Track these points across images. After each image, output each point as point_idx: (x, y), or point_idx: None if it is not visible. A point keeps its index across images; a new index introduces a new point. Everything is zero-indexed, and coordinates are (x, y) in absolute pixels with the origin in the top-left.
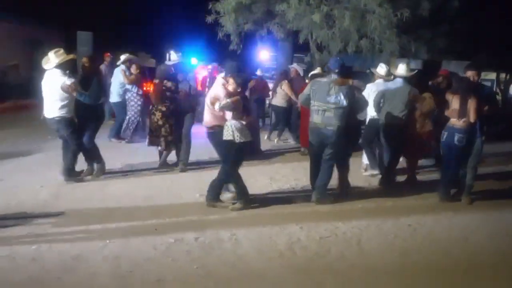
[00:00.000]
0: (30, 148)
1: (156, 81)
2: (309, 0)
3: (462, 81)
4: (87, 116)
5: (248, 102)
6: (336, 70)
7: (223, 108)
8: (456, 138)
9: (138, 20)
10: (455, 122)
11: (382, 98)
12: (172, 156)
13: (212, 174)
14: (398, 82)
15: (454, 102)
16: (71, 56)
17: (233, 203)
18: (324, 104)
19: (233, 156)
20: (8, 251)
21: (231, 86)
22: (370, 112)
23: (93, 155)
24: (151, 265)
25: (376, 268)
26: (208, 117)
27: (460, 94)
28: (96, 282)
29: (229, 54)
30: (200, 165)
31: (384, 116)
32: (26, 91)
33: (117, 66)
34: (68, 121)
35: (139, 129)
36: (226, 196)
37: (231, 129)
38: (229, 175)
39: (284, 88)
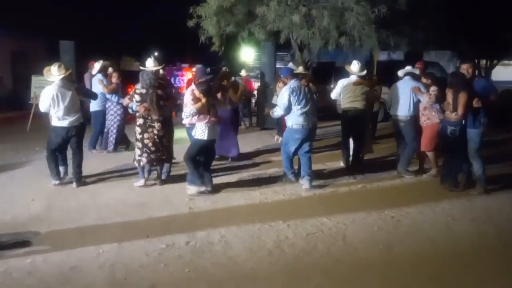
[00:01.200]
0: (19, 161)
1: (144, 90)
2: (288, 2)
3: (455, 75)
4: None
5: (214, 104)
6: (291, 75)
7: (189, 116)
8: (448, 130)
9: (120, 25)
10: (449, 115)
11: (392, 96)
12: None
13: None
14: (406, 79)
15: (448, 96)
16: (69, 71)
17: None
18: (305, 106)
19: (194, 150)
20: (4, 266)
21: (196, 93)
22: (342, 105)
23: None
24: (144, 271)
25: (361, 261)
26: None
27: (453, 88)
28: None
29: (212, 56)
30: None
31: (396, 113)
32: (11, 104)
33: (93, 75)
34: (84, 126)
35: (122, 139)
36: (192, 189)
37: (198, 129)
38: (185, 162)
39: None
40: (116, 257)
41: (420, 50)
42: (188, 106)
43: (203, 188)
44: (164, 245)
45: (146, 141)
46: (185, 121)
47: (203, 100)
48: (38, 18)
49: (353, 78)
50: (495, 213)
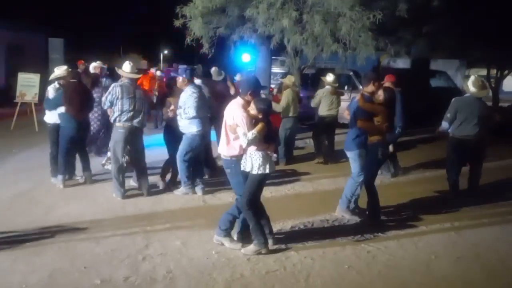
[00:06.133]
0: None
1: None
2: (278, 5)
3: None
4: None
5: (272, 126)
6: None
7: (251, 144)
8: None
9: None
10: None
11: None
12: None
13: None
14: (471, 97)
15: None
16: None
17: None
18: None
19: (254, 188)
20: None
21: (253, 111)
22: (320, 112)
23: None
24: None
25: None
26: (224, 146)
27: None
28: None
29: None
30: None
31: (458, 130)
32: (4, 99)
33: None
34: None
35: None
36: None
37: (255, 160)
38: (244, 210)
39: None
40: None
41: (430, 56)
42: (243, 130)
43: (264, 251)
44: (99, 280)
45: None
46: (235, 151)
47: (261, 120)
48: (37, 12)
49: (329, 88)
50: (484, 251)
